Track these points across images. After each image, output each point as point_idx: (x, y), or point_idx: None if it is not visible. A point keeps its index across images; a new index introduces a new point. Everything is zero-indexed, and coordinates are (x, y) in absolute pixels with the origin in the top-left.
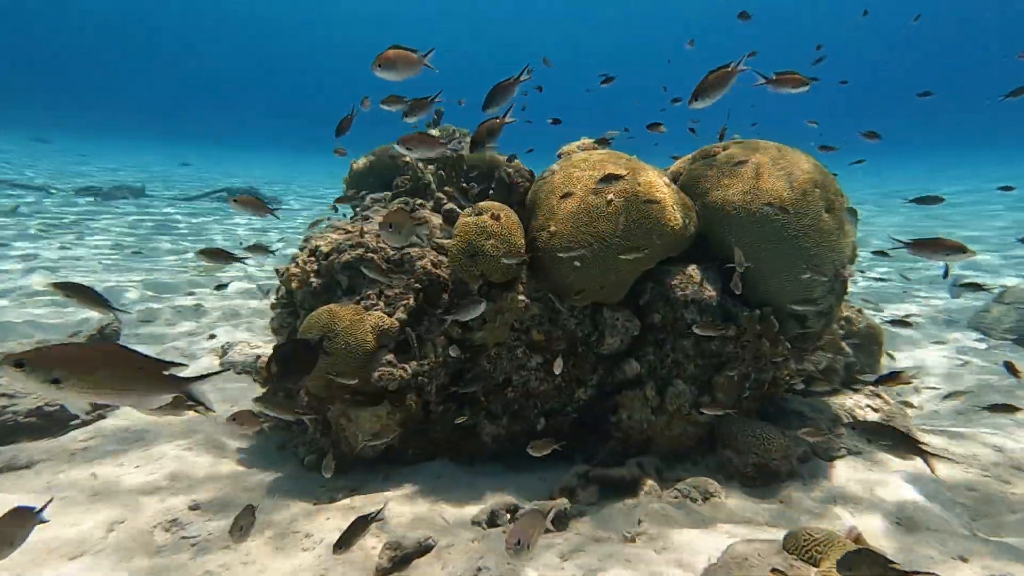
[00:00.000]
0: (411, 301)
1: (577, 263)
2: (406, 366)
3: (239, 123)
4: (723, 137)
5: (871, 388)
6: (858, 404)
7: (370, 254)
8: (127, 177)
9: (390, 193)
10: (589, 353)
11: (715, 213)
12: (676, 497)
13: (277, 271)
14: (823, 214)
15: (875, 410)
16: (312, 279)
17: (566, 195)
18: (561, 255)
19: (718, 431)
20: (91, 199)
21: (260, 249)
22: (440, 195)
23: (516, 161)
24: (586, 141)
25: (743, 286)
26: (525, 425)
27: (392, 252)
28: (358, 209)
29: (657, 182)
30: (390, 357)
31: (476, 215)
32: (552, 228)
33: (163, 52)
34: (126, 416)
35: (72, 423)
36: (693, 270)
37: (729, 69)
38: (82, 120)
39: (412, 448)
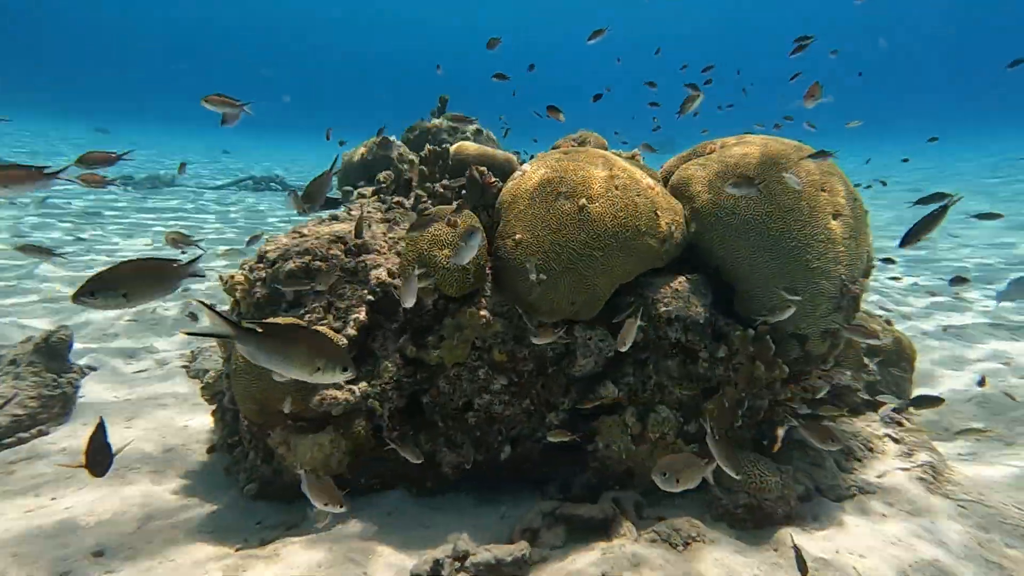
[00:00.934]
0: (363, 315)
1: (543, 275)
2: (354, 388)
3: (280, 113)
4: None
5: (892, 413)
6: (875, 433)
7: (318, 262)
8: (172, 166)
9: (370, 189)
10: (560, 374)
11: (705, 218)
12: (654, 541)
13: (221, 279)
14: (829, 221)
15: (895, 440)
16: (257, 289)
17: (534, 199)
18: (525, 267)
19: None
20: (125, 187)
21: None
22: (420, 192)
23: (514, 157)
24: (583, 133)
25: (739, 302)
26: (489, 453)
27: (347, 260)
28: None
29: (641, 184)
30: (342, 378)
31: (431, 222)
32: (518, 236)
33: (205, 42)
34: (73, 436)
35: (5, 440)
36: (679, 283)
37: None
38: (139, 110)
39: (366, 477)
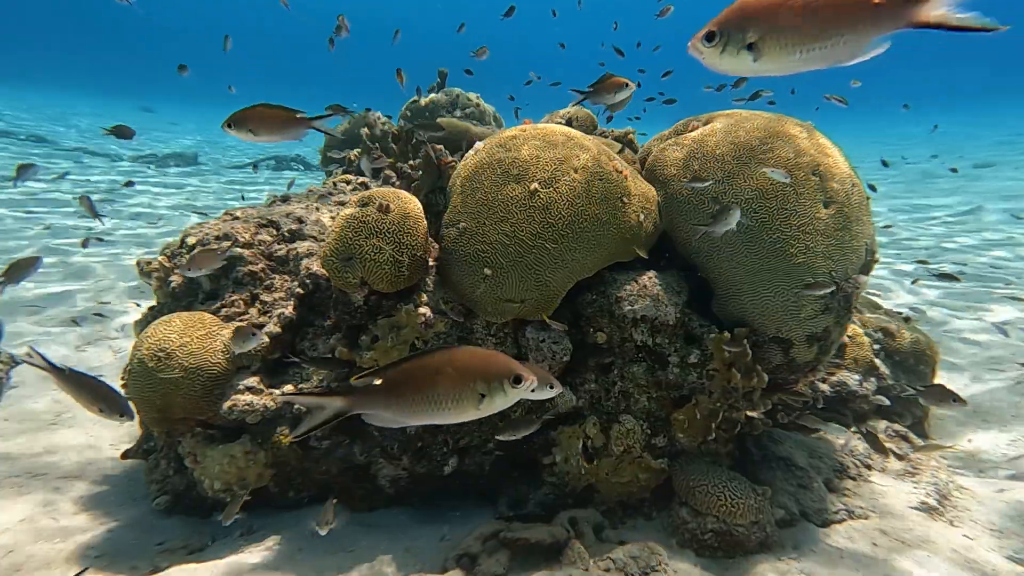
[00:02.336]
0: (290, 310)
1: (487, 270)
2: (275, 392)
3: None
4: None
5: (895, 428)
6: (876, 447)
7: (237, 248)
8: (204, 143)
9: (341, 168)
10: None
11: (679, 206)
12: (607, 571)
13: (138, 264)
14: (819, 210)
15: (899, 456)
16: (173, 277)
17: (482, 181)
18: (469, 260)
19: (674, 480)
20: (148, 166)
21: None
22: (390, 172)
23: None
24: (573, 110)
25: (717, 302)
26: (432, 466)
27: (278, 247)
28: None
29: (606, 167)
30: (252, 381)
31: (360, 206)
32: (462, 224)
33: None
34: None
35: None
36: (649, 279)
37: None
38: (182, 89)
39: (293, 490)
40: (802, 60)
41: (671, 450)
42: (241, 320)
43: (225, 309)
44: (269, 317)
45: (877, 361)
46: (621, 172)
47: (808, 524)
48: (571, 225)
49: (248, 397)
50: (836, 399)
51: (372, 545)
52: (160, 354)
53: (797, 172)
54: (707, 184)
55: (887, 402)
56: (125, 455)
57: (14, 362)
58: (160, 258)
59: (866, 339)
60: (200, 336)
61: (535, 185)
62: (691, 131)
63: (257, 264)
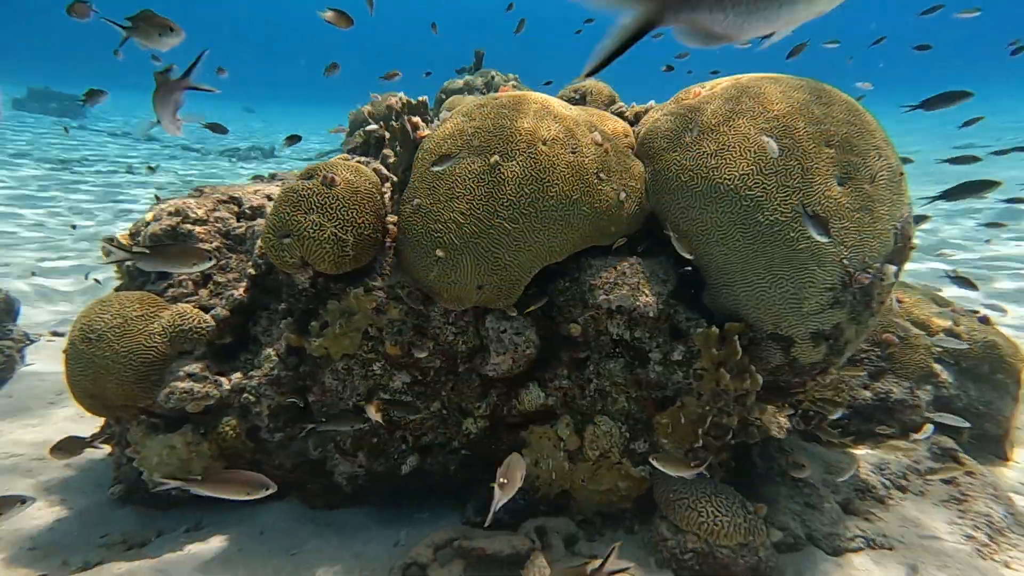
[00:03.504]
0: (240, 292)
1: (439, 251)
2: (221, 380)
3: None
4: None
5: (940, 444)
6: (912, 467)
7: (188, 225)
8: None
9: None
10: (473, 374)
11: (667, 183)
12: None
13: (103, 244)
14: (831, 187)
15: (946, 480)
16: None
17: (442, 156)
18: (422, 240)
19: (655, 491)
20: (231, 159)
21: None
22: (387, 152)
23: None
24: (590, 83)
25: (708, 293)
26: (390, 464)
27: (236, 223)
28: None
29: (581, 140)
30: (196, 367)
31: (304, 179)
32: (416, 201)
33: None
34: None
35: None
36: (629, 265)
37: None
38: (278, 89)
39: None
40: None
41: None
42: (190, 301)
43: (172, 290)
44: (220, 299)
45: (937, 367)
46: (599, 145)
47: (815, 550)
48: (534, 203)
49: (188, 384)
50: (879, 408)
51: (319, 548)
52: (91, 335)
53: (806, 143)
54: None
55: (966, 424)
56: (92, 439)
57: (28, 340)
58: (120, 235)
59: (925, 340)
60: (136, 317)
61: (496, 158)
62: (690, 98)
63: (211, 243)
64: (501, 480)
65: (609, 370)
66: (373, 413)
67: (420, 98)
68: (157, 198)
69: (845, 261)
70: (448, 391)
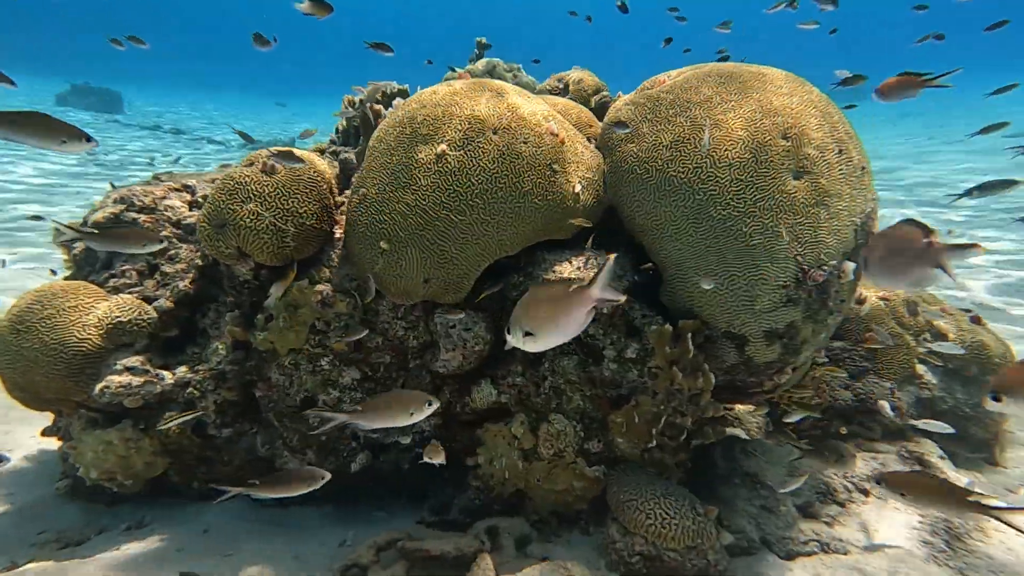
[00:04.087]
0: (186, 283)
1: (383, 243)
2: (165, 374)
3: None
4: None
5: (908, 448)
6: (880, 470)
7: (132, 213)
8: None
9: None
10: (423, 371)
11: (623, 175)
12: None
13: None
14: (786, 181)
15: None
16: (77, 244)
17: (389, 143)
18: (367, 232)
19: (607, 492)
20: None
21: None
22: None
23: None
24: (576, 74)
25: (664, 289)
26: (339, 462)
27: (188, 212)
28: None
29: (536, 128)
30: (136, 361)
31: (245, 166)
32: (363, 190)
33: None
34: None
35: None
36: (584, 260)
37: None
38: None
39: (197, 481)
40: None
41: (610, 456)
42: (132, 292)
43: (114, 280)
44: (167, 290)
45: (921, 368)
46: (555, 135)
47: (768, 554)
48: (483, 195)
49: (126, 378)
50: (860, 410)
51: (260, 549)
52: (19, 327)
53: (762, 136)
54: (627, 131)
55: (949, 429)
56: (44, 432)
57: None
58: (69, 223)
59: (909, 339)
60: (68, 308)
61: (443, 147)
62: (654, 87)
63: (159, 231)
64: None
65: (563, 367)
66: (435, 456)
67: (403, 86)
68: (112, 185)
69: (799, 258)
70: (399, 388)
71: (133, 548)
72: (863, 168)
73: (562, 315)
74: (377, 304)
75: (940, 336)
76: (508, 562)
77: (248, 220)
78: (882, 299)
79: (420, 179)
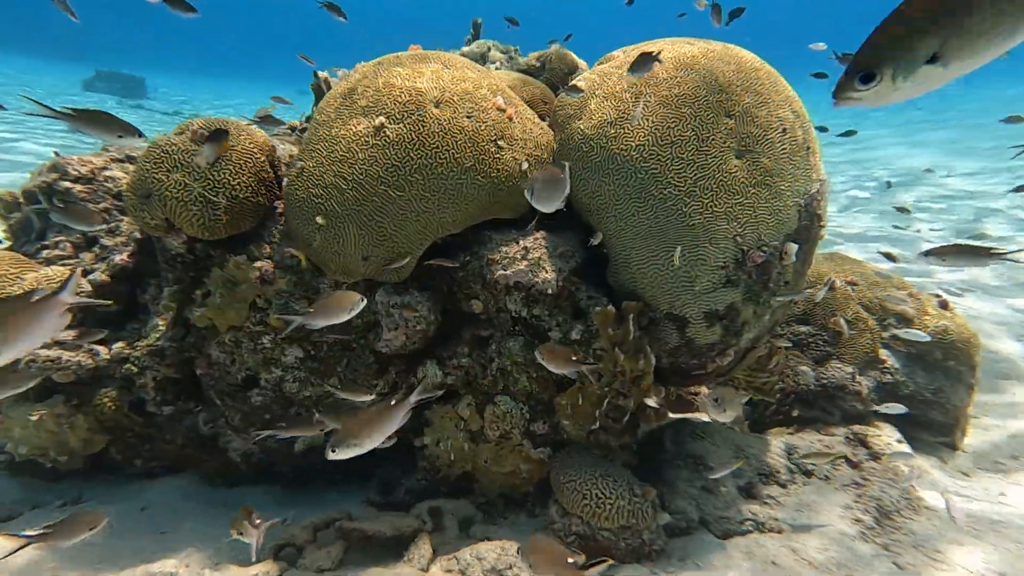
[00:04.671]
0: (124, 257)
1: (320, 219)
2: (99, 349)
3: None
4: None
5: (859, 428)
6: (823, 452)
7: (66, 182)
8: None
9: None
10: (367, 351)
11: (570, 153)
12: (449, 572)
13: None
14: (728, 160)
15: (853, 464)
16: (13, 214)
17: (330, 115)
18: (303, 206)
19: (551, 474)
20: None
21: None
22: None
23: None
24: (553, 49)
25: (610, 271)
26: (285, 441)
27: (126, 182)
28: None
29: (481, 103)
30: (68, 335)
31: (176, 134)
32: (300, 163)
33: None
34: None
35: None
36: (533, 240)
37: None
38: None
39: (140, 459)
40: (996, 45)
41: (556, 439)
42: (67, 265)
43: (47, 251)
44: (104, 263)
45: (884, 353)
46: (502, 110)
47: (706, 534)
48: (422, 170)
49: (54, 352)
50: (821, 394)
51: (197, 529)
52: None
53: (705, 113)
54: (579, 94)
55: (902, 409)
56: None
57: None
58: (10, 191)
59: (873, 324)
60: None
61: (382, 119)
62: (608, 63)
63: (98, 203)
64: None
65: (509, 349)
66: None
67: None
68: (55, 154)
69: (738, 239)
70: (343, 368)
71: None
72: (808, 147)
73: None
74: (318, 282)
75: (905, 320)
76: (450, 543)
77: (174, 191)
78: (849, 283)
79: (357, 152)
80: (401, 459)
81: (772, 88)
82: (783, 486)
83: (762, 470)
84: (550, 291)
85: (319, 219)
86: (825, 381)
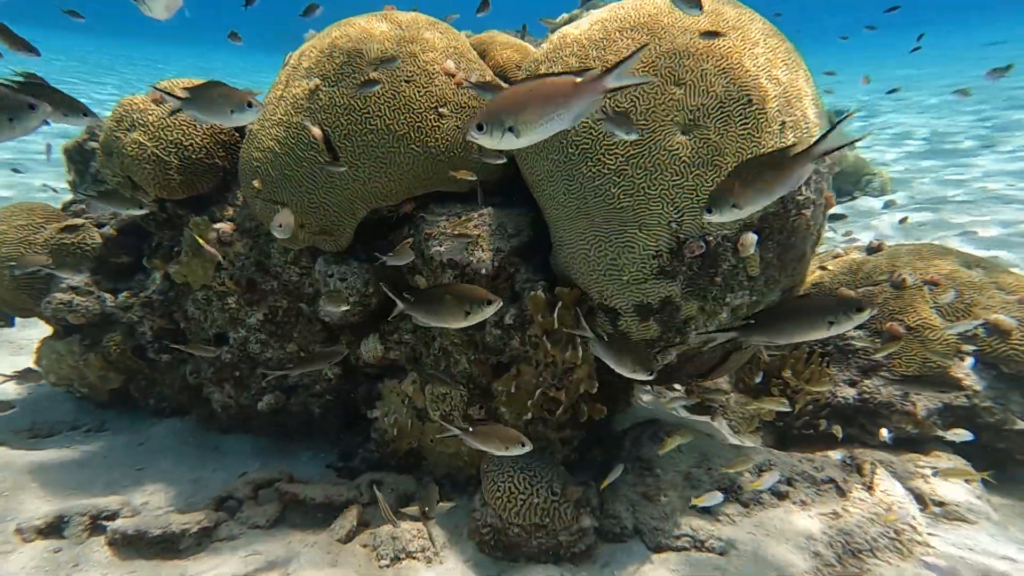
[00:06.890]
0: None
1: (256, 182)
2: (105, 296)
3: None
4: None
5: (857, 451)
6: (806, 474)
7: (93, 143)
8: None
9: None
10: (315, 319)
11: None
12: (365, 546)
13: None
14: (672, 136)
15: (840, 489)
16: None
17: (280, 77)
18: (245, 169)
19: (483, 459)
20: None
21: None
22: None
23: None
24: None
25: (552, 254)
26: (250, 399)
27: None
28: None
29: (427, 67)
30: (80, 281)
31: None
32: (253, 126)
33: None
34: None
35: None
36: (478, 216)
37: None
38: None
39: (153, 399)
40: (543, 130)
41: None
42: (87, 219)
43: (76, 205)
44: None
45: (959, 368)
46: (453, 76)
47: (638, 543)
48: (351, 136)
49: (68, 296)
50: (862, 410)
51: (169, 469)
52: None
53: (654, 79)
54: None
55: (968, 436)
56: None
57: None
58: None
59: (946, 335)
60: (19, 226)
61: (316, 81)
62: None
63: None
64: None
65: (449, 329)
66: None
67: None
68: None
69: (674, 224)
70: (297, 334)
71: (78, 447)
72: (783, 123)
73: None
74: (269, 247)
75: (998, 330)
76: (380, 517)
77: (131, 149)
78: (929, 283)
79: (292, 116)
80: (363, 429)
81: (744, 52)
82: (744, 504)
83: (724, 484)
84: (484, 271)
85: (255, 183)
86: (868, 396)
